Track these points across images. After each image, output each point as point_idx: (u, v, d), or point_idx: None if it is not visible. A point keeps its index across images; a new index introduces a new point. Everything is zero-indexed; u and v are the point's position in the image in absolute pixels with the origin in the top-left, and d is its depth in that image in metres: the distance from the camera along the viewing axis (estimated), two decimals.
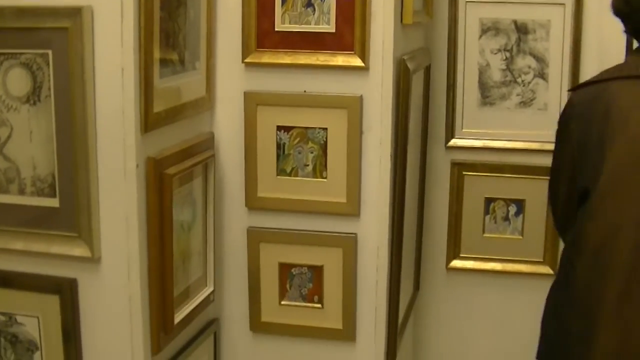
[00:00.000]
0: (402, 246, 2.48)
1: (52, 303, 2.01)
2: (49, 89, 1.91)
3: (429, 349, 3.22)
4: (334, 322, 2.38)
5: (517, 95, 2.93)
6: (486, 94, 2.95)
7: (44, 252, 1.99)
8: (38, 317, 2.03)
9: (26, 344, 2.06)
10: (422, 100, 2.85)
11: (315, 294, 2.38)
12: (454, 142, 2.98)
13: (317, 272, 2.36)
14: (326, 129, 2.28)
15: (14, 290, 2.05)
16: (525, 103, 2.92)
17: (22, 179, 1.96)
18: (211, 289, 2.34)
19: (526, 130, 2.94)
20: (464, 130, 2.98)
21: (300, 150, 2.31)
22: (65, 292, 1.99)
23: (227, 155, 2.36)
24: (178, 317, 2.12)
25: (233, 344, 2.50)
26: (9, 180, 1.98)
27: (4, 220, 2.01)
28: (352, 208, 2.30)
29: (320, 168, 2.31)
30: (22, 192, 1.97)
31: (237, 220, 2.40)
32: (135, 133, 1.90)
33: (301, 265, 2.36)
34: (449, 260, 3.07)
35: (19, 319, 2.05)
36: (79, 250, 1.95)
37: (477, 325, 3.13)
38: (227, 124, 2.35)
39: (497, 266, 3.02)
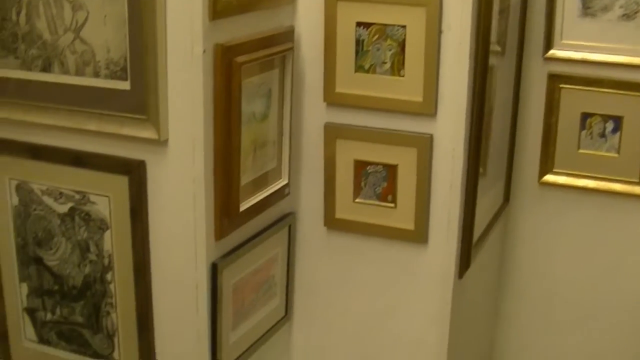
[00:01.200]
0: (480, 151, 2.45)
1: (121, 183, 2.10)
2: None
3: (515, 264, 3.18)
4: (407, 222, 2.39)
5: (620, 7, 2.82)
6: (587, 4, 2.85)
7: (115, 134, 2.08)
8: (109, 197, 2.14)
9: (98, 222, 2.17)
10: (518, 6, 2.79)
11: (388, 193, 2.39)
12: (552, 53, 2.91)
13: (391, 171, 2.37)
14: (405, 26, 2.26)
15: (87, 170, 2.15)
16: (628, 16, 2.81)
17: (96, 62, 2.05)
18: (285, 181, 2.38)
19: (628, 45, 2.83)
20: (562, 41, 2.89)
21: (378, 47, 2.30)
22: (134, 173, 2.08)
23: (307, 50, 2.38)
24: (245, 205, 2.18)
25: (307, 238, 2.54)
26: (85, 62, 2.07)
27: (79, 101, 2.10)
28: (428, 107, 2.28)
29: (397, 66, 2.29)
30: (96, 74, 2.05)
31: (314, 115, 2.42)
32: (202, 19, 1.93)
33: (376, 164, 2.37)
34: (541, 175, 3.02)
35: (92, 197, 2.16)
36: (147, 133, 2.02)
37: (566, 242, 3.08)
38: (307, 19, 2.36)
39: (590, 183, 2.95)
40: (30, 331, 2.41)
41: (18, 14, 2.13)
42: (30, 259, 2.33)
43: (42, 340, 2.40)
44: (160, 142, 2.03)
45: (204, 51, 1.96)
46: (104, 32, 2.01)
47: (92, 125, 2.10)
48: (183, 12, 1.96)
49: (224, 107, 2.04)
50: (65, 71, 2.09)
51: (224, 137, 2.07)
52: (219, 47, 2.00)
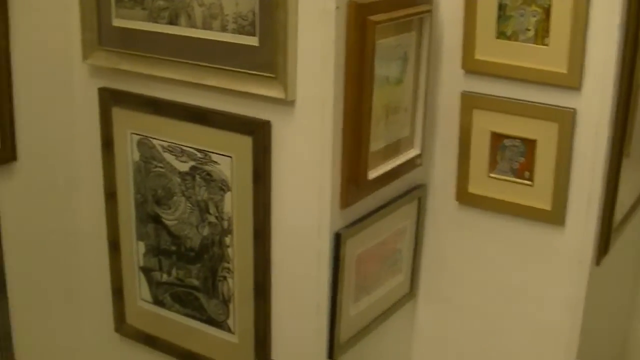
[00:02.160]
0: (626, 130, 2.27)
1: (245, 144, 2.03)
2: None
3: None
4: (543, 202, 2.24)
5: None
6: None
7: (240, 91, 2.01)
8: (231, 157, 2.07)
9: (219, 183, 2.11)
10: None
11: (526, 169, 2.24)
12: None
13: (530, 146, 2.21)
14: None
15: (210, 128, 2.09)
16: None
17: (224, 16, 1.97)
18: (418, 151, 2.26)
19: None
20: None
21: (522, 12, 2.15)
22: (259, 133, 2.01)
23: (446, 13, 2.24)
24: (374, 173, 2.08)
25: (437, 212, 2.43)
26: (212, 16, 2.00)
27: (205, 56, 2.04)
28: (572, 80, 2.12)
29: (542, 34, 2.14)
30: (224, 29, 1.98)
31: (451, 82, 2.29)
32: None
33: (514, 137, 2.22)
34: None
35: (214, 157, 2.10)
36: (274, 92, 1.94)
37: None
38: None
39: None
40: (145, 291, 2.38)
41: None
42: (148, 216, 2.30)
43: (157, 301, 2.37)
44: (287, 102, 1.95)
45: (337, 7, 1.85)
46: None
47: (217, 82, 2.03)
48: None
49: (355, 68, 1.94)
50: (191, 24, 2.03)
51: (355, 100, 1.96)
52: (353, 4, 1.89)
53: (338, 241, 2.04)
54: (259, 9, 1.92)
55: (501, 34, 2.20)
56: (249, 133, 2.02)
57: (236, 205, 2.10)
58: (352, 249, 2.10)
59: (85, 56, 2.27)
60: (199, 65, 2.05)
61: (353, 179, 2.03)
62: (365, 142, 2.03)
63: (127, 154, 2.27)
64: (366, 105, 1.99)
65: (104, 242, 2.44)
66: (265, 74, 1.94)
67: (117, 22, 2.18)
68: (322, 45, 1.89)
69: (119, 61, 2.21)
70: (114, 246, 2.41)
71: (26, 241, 2.35)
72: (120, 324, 2.49)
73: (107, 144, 2.31)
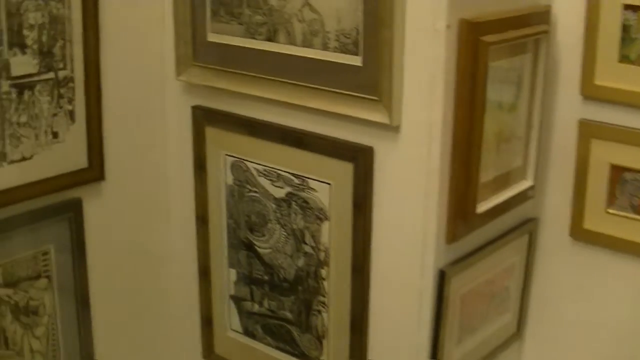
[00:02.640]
0: None
1: (345, 170, 1.91)
2: None
3: None
4: None
5: None
6: None
7: (341, 114, 1.89)
8: (330, 184, 1.96)
9: (316, 211, 2.00)
10: None
11: None
12: None
13: None
14: None
15: (308, 152, 1.98)
16: None
17: (326, 33, 1.86)
18: (530, 183, 2.11)
19: None
20: None
21: None
22: (360, 160, 1.89)
23: (564, 34, 2.08)
24: (483, 205, 1.93)
25: (549, 248, 2.26)
26: (313, 33, 1.88)
27: (305, 76, 1.93)
28: None
29: None
30: (325, 47, 1.87)
31: (568, 109, 2.12)
32: None
33: (636, 171, 2.06)
34: None
35: (312, 183, 1.99)
36: (378, 116, 1.81)
37: None
38: None
39: None
40: (235, 321, 2.28)
41: None
42: (241, 243, 2.20)
43: (247, 332, 2.26)
44: (392, 128, 1.82)
45: (448, 26, 1.72)
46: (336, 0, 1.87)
47: (316, 103, 1.92)
48: None
49: (466, 92, 1.80)
50: (291, 41, 1.92)
51: (465, 126, 1.82)
52: (465, 23, 1.75)
53: (442, 279, 1.90)
54: (362, 27, 1.80)
55: (624, 58, 2.03)
56: (349, 159, 1.90)
57: (334, 235, 1.99)
58: (457, 287, 1.96)
59: (178, 72, 2.18)
60: (297, 85, 1.94)
61: (460, 211, 1.89)
62: (475, 173, 1.89)
63: (220, 177, 2.18)
64: (476, 133, 1.85)
65: (194, 267, 2.36)
66: (368, 97, 1.82)
67: (212, 37, 2.09)
68: (431, 67, 1.75)
69: (213, 78, 2.11)
70: (204, 273, 2.32)
71: (112, 264, 2.27)
72: (209, 353, 2.40)
73: (200, 165, 2.22)
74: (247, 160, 2.11)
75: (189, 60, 2.16)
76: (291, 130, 2.01)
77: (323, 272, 2.04)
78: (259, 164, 2.09)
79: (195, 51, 2.14)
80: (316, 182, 1.98)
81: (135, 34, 2.19)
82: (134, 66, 2.20)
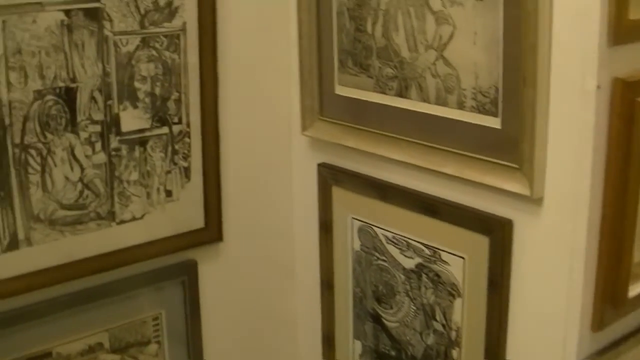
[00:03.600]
0: None
1: (480, 244, 1.71)
2: None
3: None
4: None
5: None
6: None
7: (476, 182, 1.69)
8: (464, 258, 1.76)
9: (448, 286, 1.80)
10: None
11: None
12: None
13: None
14: None
15: (441, 221, 1.78)
16: None
17: (461, 90, 1.66)
18: None
19: None
20: None
21: None
22: (497, 234, 1.68)
23: None
24: (635, 288, 1.67)
25: None
26: (447, 89, 1.69)
27: (437, 136, 1.74)
28: None
29: None
30: (460, 105, 1.67)
31: None
32: (599, 44, 1.47)
33: None
34: None
35: (444, 256, 1.79)
36: (517, 186, 1.60)
37: None
38: None
39: None
40: None
41: (374, 24, 1.82)
42: (367, 314, 2.04)
43: None
44: (533, 200, 1.61)
45: (598, 87, 1.49)
46: (473, 53, 1.62)
47: (450, 169, 1.72)
48: (573, 34, 1.51)
49: (619, 159, 1.57)
50: (423, 98, 1.74)
51: (616, 200, 1.59)
52: (618, 82, 1.52)
53: None
54: (502, 85, 1.59)
55: None
56: (485, 232, 1.70)
57: (467, 314, 1.79)
58: None
59: (304, 127, 2.04)
60: (429, 147, 1.75)
61: (609, 295, 1.65)
62: (627, 251, 1.64)
63: (347, 241, 2.02)
64: (630, 206, 1.62)
65: (318, 335, 2.21)
66: (506, 163, 1.61)
67: (340, 90, 1.94)
68: (578, 131, 1.53)
69: (340, 135, 1.96)
70: (328, 342, 2.17)
71: (229, 329, 2.17)
72: None
73: (326, 228, 2.07)
74: (375, 226, 1.95)
75: (315, 114, 2.02)
76: (423, 196, 1.83)
77: (454, 353, 1.84)
78: (387, 231, 1.92)
79: (322, 104, 2.00)
80: (449, 254, 1.78)
81: (258, 85, 2.06)
82: (256, 120, 2.08)
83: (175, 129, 1.91)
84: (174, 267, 1.99)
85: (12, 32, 1.66)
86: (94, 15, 1.75)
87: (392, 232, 1.91)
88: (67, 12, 1.71)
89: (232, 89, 2.00)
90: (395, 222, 1.90)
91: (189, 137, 1.93)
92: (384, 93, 1.83)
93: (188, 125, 1.92)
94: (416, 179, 1.85)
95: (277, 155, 2.15)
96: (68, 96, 1.75)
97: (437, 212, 1.79)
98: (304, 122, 2.04)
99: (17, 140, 1.70)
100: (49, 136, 1.74)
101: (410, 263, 1.88)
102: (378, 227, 1.94)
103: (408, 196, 1.85)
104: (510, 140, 1.61)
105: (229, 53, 1.98)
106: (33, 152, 1.73)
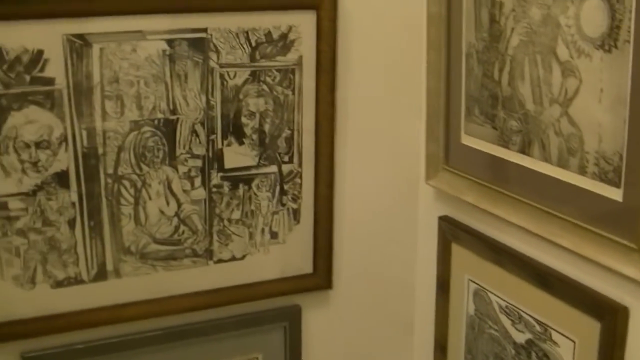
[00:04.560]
0: None
1: (591, 328, 1.47)
2: (629, 31, 1.32)
3: None
4: None
5: None
6: None
7: (589, 258, 1.45)
8: (574, 342, 1.52)
9: None
10: None
11: None
12: None
13: None
14: None
15: (553, 296, 1.55)
16: None
17: (584, 153, 1.43)
18: None
19: None
20: None
21: None
22: (610, 320, 1.43)
23: None
24: None
25: None
26: (570, 151, 1.46)
27: (556, 201, 1.51)
28: None
29: None
30: (582, 170, 1.44)
31: None
32: None
33: None
34: None
35: (554, 335, 1.56)
36: (633, 271, 1.35)
37: None
38: None
39: None
40: None
41: (500, 70, 1.61)
42: None
43: None
44: None
45: None
46: (598, 113, 1.39)
47: (565, 240, 1.49)
48: None
49: None
50: (545, 157, 1.52)
51: None
52: None
53: None
54: (626, 152, 1.35)
55: None
56: (598, 316, 1.46)
57: None
58: None
59: (428, 176, 1.86)
60: (548, 213, 1.52)
61: None
62: None
63: (463, 304, 1.83)
64: None
65: None
66: (625, 242, 1.37)
67: (465, 140, 1.75)
68: None
69: (463, 189, 1.77)
70: None
71: None
72: None
73: (443, 286, 1.88)
74: (490, 291, 1.74)
75: (439, 162, 1.83)
76: (537, 266, 1.60)
77: None
78: (501, 299, 1.70)
79: (448, 153, 1.81)
80: (559, 335, 1.55)
81: (382, 125, 1.90)
82: (377, 163, 1.91)
83: (285, 168, 1.78)
84: (276, 312, 1.86)
85: (109, 61, 1.59)
86: (199, 45, 1.65)
87: (506, 301, 1.69)
88: (170, 42, 1.63)
89: (351, 128, 1.84)
90: (509, 290, 1.69)
91: (300, 178, 1.80)
92: (508, 148, 1.62)
93: (300, 165, 1.79)
94: (532, 246, 1.62)
95: (399, 203, 1.97)
96: (167, 128, 1.66)
97: (550, 286, 1.56)
98: (428, 170, 1.86)
99: (110, 171, 1.65)
100: (145, 168, 1.67)
101: (521, 338, 1.67)
102: (492, 293, 1.73)
103: (523, 264, 1.64)
104: (631, 216, 1.37)
105: (349, 90, 1.83)
106: (127, 183, 1.66)
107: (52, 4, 1.53)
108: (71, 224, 1.64)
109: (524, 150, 1.59)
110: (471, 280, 1.80)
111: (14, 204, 1.58)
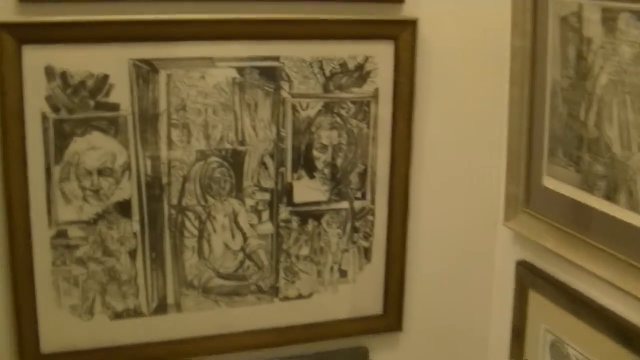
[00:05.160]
0: None
1: None
2: None
3: None
4: None
5: None
6: None
7: None
8: None
9: None
10: None
11: None
12: None
13: None
14: None
15: (633, 354, 1.40)
16: None
17: None
18: None
19: None
20: None
21: None
22: None
23: None
24: None
25: None
26: None
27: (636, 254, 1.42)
28: None
29: None
30: None
31: None
32: None
33: None
34: None
35: None
36: None
37: None
38: None
39: None
40: None
41: (587, 111, 1.49)
42: None
43: None
44: None
45: None
46: None
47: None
48: None
49: None
50: (632, 206, 1.39)
51: None
52: None
53: None
54: None
55: None
56: None
57: None
58: None
59: (507, 218, 1.73)
60: (632, 266, 1.38)
61: None
62: None
63: (538, 355, 1.68)
64: None
65: None
66: None
67: (547, 182, 1.62)
68: None
69: (544, 234, 1.64)
70: None
71: None
72: None
73: (518, 336, 1.74)
74: (568, 344, 1.59)
75: (519, 204, 1.70)
76: (619, 320, 1.46)
77: None
78: (580, 352, 1.55)
79: (529, 195, 1.68)
80: None
81: (460, 163, 1.78)
82: (454, 202, 1.79)
83: (357, 204, 1.68)
84: (343, 353, 1.76)
85: (177, 88, 1.53)
86: (272, 75, 1.58)
87: (584, 356, 1.55)
88: (241, 70, 1.55)
89: (428, 164, 1.74)
90: (589, 345, 1.54)
91: (373, 215, 1.70)
92: (592, 193, 1.49)
93: (373, 202, 1.69)
94: (615, 299, 1.48)
95: (475, 245, 1.84)
96: (235, 159, 1.59)
97: (633, 344, 1.41)
98: (508, 212, 1.74)
99: (175, 202, 1.57)
100: (211, 200, 1.59)
101: None
102: (570, 346, 1.58)
103: (604, 317, 1.49)
104: None
105: (427, 124, 1.72)
106: (191, 215, 1.58)
107: (119, 28, 1.48)
108: (132, 254, 1.57)
109: (610, 196, 1.46)
110: (548, 331, 1.65)
111: (74, 233, 1.53)
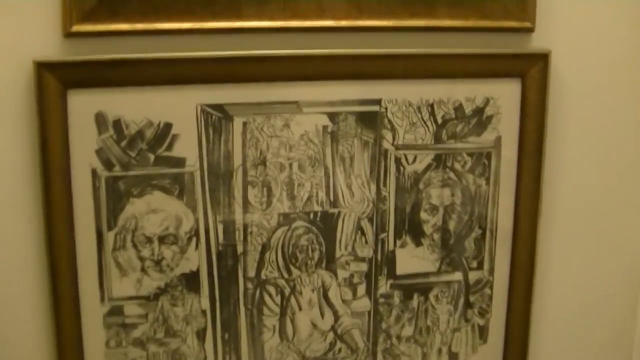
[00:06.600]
0: None
1: None
2: None
3: None
4: None
5: None
6: None
7: None
8: None
9: None
10: None
11: None
12: None
13: None
14: None
15: None
16: None
17: None
18: None
19: None
20: None
21: None
22: None
23: None
24: None
25: None
26: None
27: None
28: None
29: None
30: None
31: None
32: None
33: None
34: None
35: None
36: None
37: None
38: None
39: None
40: None
41: None
42: None
43: None
44: None
45: None
46: None
47: None
48: None
49: None
50: None
51: None
52: None
53: None
54: None
55: None
56: None
57: None
58: None
59: None
60: None
61: None
62: None
63: None
64: None
65: None
66: None
67: None
68: None
69: None
70: None
71: None
72: None
73: None
74: None
75: None
76: None
77: None
78: None
79: None
80: None
81: (593, 225, 1.46)
82: (585, 272, 1.47)
83: (473, 275, 1.40)
84: None
85: (254, 138, 1.27)
86: (371, 121, 1.31)
87: None
88: (333, 116, 1.29)
89: (559, 227, 1.42)
90: None
91: (491, 289, 1.41)
92: None
93: (491, 272, 1.40)
94: None
95: (614, 324, 1.51)
96: (325, 224, 1.33)
97: None
98: None
99: (252, 274, 1.32)
100: (295, 272, 1.34)
101: None
102: None
103: None
104: None
105: (559, 180, 1.41)
106: (271, 289, 1.34)
107: (184, 67, 1.23)
108: (200, 335, 1.33)
109: None
110: None
111: (131, 310, 1.29)
